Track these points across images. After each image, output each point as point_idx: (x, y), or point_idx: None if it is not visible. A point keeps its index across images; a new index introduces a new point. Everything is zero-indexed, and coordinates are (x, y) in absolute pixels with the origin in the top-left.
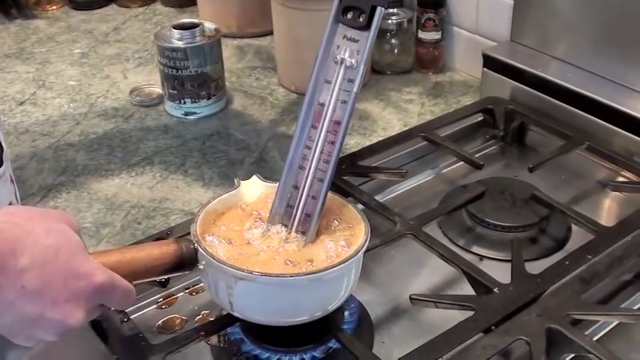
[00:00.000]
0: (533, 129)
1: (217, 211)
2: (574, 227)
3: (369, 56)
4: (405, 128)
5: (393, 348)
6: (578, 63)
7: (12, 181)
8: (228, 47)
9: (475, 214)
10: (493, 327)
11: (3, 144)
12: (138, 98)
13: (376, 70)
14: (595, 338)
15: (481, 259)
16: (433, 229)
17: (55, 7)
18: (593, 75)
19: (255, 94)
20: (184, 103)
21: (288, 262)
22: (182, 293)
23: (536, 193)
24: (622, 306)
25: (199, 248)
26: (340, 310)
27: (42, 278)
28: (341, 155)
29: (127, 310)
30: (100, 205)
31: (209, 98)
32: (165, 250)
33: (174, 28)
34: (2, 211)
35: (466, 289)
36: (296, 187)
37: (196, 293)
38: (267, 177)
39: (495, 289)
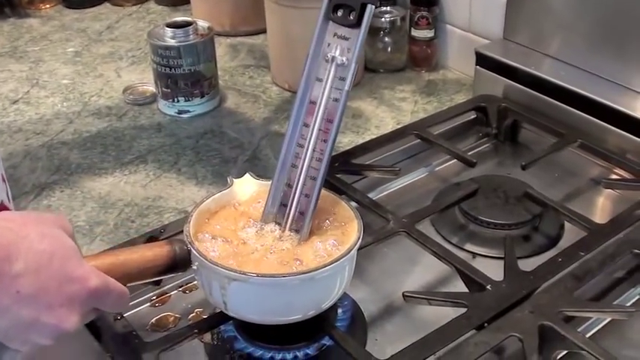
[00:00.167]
0: (526, 127)
1: (211, 211)
2: (567, 224)
3: (360, 54)
4: (399, 126)
5: (386, 345)
6: (571, 61)
7: (3, 179)
8: (221, 45)
9: (468, 211)
10: (486, 324)
11: None
12: (131, 97)
13: (369, 68)
14: (588, 335)
15: (474, 257)
16: (426, 227)
17: (48, 6)
18: (587, 73)
19: (248, 93)
20: (178, 101)
21: (282, 261)
22: (175, 291)
23: (529, 191)
24: (615, 303)
25: (192, 249)
26: (334, 307)
27: (37, 283)
28: (334, 153)
29: None
30: (93, 204)
31: (202, 97)
32: (158, 251)
33: (168, 26)
34: None
35: (459, 287)
36: (289, 186)
37: (190, 291)
38: (261, 175)
39: (488, 287)
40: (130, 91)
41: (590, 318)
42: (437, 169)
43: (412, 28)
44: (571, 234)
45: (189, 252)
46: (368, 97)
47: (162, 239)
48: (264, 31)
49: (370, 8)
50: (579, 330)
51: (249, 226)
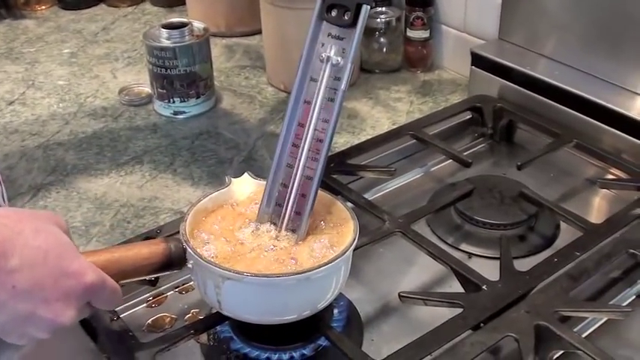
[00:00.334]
0: (521, 127)
1: (208, 209)
2: (562, 225)
3: (355, 54)
4: (394, 127)
5: (382, 345)
6: (566, 61)
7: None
8: (217, 46)
9: (464, 211)
10: (482, 324)
11: None
12: (127, 98)
13: (365, 68)
14: (584, 335)
15: (470, 257)
16: (422, 227)
17: (44, 7)
18: (582, 73)
19: (244, 93)
20: (173, 102)
21: (277, 260)
22: (172, 292)
23: (524, 191)
24: (610, 303)
25: (188, 248)
26: (330, 308)
27: (32, 278)
28: (330, 154)
29: (116, 309)
30: (89, 205)
31: (198, 97)
32: (153, 249)
33: (163, 27)
34: None
35: (455, 287)
36: (284, 186)
37: (186, 292)
38: (257, 175)
39: (484, 287)
40: (125, 92)
41: (586, 318)
42: (432, 169)
43: (407, 29)
44: (567, 234)
45: (184, 250)
46: (363, 97)
47: None
48: (259, 32)
49: (365, 8)
50: (575, 330)
51: (245, 227)
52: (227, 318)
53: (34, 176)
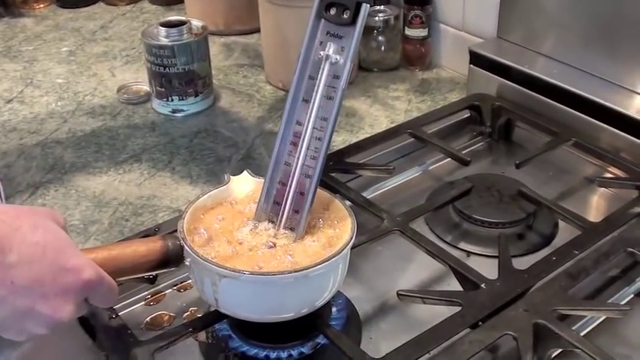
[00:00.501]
0: (519, 125)
1: (206, 207)
2: (561, 223)
3: (355, 53)
4: (392, 125)
5: (380, 343)
6: (564, 59)
7: None
8: (215, 45)
9: (462, 210)
10: (480, 322)
11: None
12: (125, 96)
13: (363, 67)
14: (582, 333)
15: (468, 255)
16: (420, 226)
17: (42, 6)
18: (580, 71)
19: (242, 92)
20: (172, 100)
21: (274, 257)
22: (170, 290)
23: (523, 190)
24: (609, 301)
25: (185, 245)
26: (328, 306)
27: (31, 274)
28: (328, 152)
29: (115, 307)
30: (87, 203)
31: (196, 96)
32: (151, 246)
33: (162, 25)
34: None
35: (453, 285)
36: (282, 184)
37: (184, 290)
38: (256, 173)
39: (482, 285)
40: (124, 90)
41: (585, 316)
42: (431, 167)
43: (406, 27)
44: (565, 232)
45: (182, 248)
46: (362, 96)
47: None
48: (258, 31)
49: (365, 7)
50: (574, 328)
51: (243, 225)
52: (225, 316)
53: (32, 174)
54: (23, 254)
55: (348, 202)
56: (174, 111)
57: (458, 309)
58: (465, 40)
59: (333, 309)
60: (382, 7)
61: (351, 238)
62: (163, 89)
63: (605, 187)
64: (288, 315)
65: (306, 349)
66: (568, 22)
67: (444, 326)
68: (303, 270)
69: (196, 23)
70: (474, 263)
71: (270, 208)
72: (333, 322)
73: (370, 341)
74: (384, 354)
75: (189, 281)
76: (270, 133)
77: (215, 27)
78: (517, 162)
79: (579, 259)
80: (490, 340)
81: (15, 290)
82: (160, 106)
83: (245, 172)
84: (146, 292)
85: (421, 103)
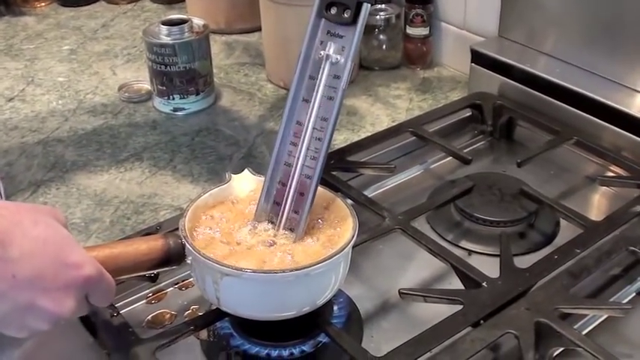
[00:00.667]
0: (521, 124)
1: (208, 205)
2: (562, 222)
3: (356, 53)
4: (394, 124)
5: (382, 342)
6: (566, 58)
7: None
8: (216, 43)
9: (464, 208)
10: (482, 321)
11: None
12: (126, 94)
13: (364, 65)
14: (584, 332)
15: (470, 254)
16: (422, 224)
17: (43, 4)
18: (582, 70)
19: (243, 90)
20: (173, 99)
21: (275, 255)
22: (171, 288)
23: (524, 188)
24: (610, 300)
25: (187, 243)
26: (329, 304)
27: (32, 268)
28: (330, 151)
29: (116, 305)
30: (89, 201)
31: (198, 94)
32: (152, 245)
33: (163, 24)
34: None
35: (454, 284)
36: (282, 184)
37: (186, 288)
38: (257, 172)
39: (484, 284)
40: (125, 88)
41: (586, 315)
42: (432, 166)
43: (407, 26)
44: (567, 231)
45: (183, 246)
46: (363, 94)
47: None
48: (259, 29)
49: (366, 7)
50: (575, 327)
51: (243, 226)
52: (227, 314)
53: (33, 172)
54: (24, 248)
55: (349, 201)
56: (175, 109)
57: (459, 307)
58: (467, 38)
59: (335, 307)
60: (383, 5)
61: (353, 236)
62: (164, 88)
63: (607, 186)
64: (289, 313)
65: (307, 348)
66: (569, 20)
67: (446, 325)
68: (304, 268)
69: (197, 22)
70: (475, 262)
71: (270, 208)
72: (335, 321)
73: (371, 340)
74: (385, 352)
75: (191, 279)
76: (272, 132)
77: (216, 25)
78: (518, 161)
79: (581, 257)
80: (492, 339)
81: (16, 284)
82: (161, 105)
83: (246, 170)
84: (147, 291)
85: (422, 101)
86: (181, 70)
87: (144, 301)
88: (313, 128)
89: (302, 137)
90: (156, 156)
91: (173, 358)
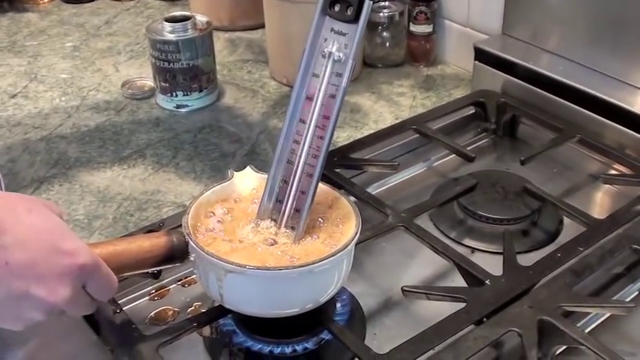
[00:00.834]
0: (524, 122)
1: (211, 203)
2: (566, 220)
3: (357, 50)
4: (397, 121)
5: (384, 339)
6: (569, 56)
7: None
8: (219, 40)
9: (467, 206)
10: (485, 319)
11: None
12: (130, 91)
13: (368, 63)
14: (587, 330)
15: (473, 252)
16: (425, 222)
17: (46, 1)
18: (585, 68)
19: (246, 87)
20: (176, 96)
21: (277, 253)
22: (174, 285)
23: (527, 186)
24: (614, 298)
25: (190, 241)
26: (332, 301)
27: (26, 255)
28: (333, 148)
29: (119, 302)
30: (92, 198)
31: (201, 91)
32: (155, 242)
33: (166, 21)
34: None
35: (457, 281)
36: (285, 182)
37: (188, 285)
38: (260, 169)
39: (487, 281)
40: (128, 85)
41: (589, 313)
42: (435, 163)
43: (411, 23)
44: (570, 229)
45: (186, 243)
46: (366, 92)
47: None
48: (262, 26)
49: (368, 4)
50: (578, 325)
51: (246, 224)
52: (230, 311)
53: (36, 169)
54: (17, 236)
55: (352, 198)
56: (178, 106)
57: (462, 305)
58: (470, 36)
59: (338, 304)
60: (387, 3)
61: (356, 234)
62: (167, 84)
63: (610, 184)
64: (292, 310)
65: (310, 345)
66: (573, 18)
67: (449, 322)
68: (307, 265)
69: (201, 18)
70: (478, 259)
71: (273, 205)
72: (338, 318)
73: (374, 337)
74: (388, 350)
75: (194, 276)
76: (275, 129)
77: (219, 22)
78: (522, 158)
79: (584, 255)
80: (495, 337)
81: (10, 271)
82: (164, 102)
83: (248, 167)
84: (150, 287)
85: (426, 99)
86: (184, 67)
87: (147, 297)
88: (316, 126)
89: (304, 135)
90: (159, 153)
91: (176, 354)
